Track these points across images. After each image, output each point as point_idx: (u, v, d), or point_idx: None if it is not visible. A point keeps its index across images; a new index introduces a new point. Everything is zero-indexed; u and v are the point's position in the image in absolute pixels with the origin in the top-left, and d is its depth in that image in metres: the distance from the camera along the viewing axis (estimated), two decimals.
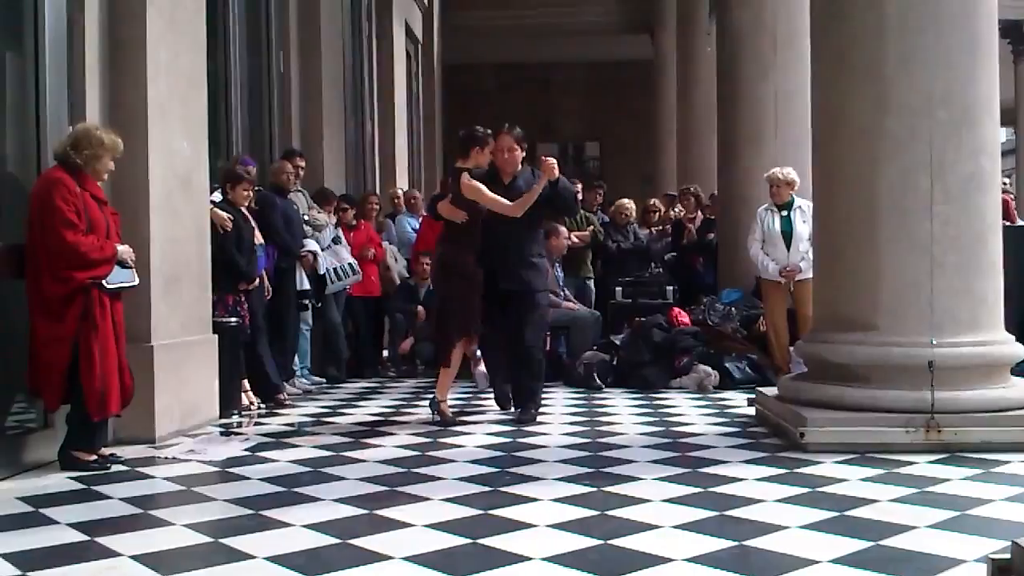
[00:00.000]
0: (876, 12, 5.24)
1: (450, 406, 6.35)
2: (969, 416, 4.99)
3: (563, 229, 8.97)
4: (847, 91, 5.37)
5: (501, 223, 6.15)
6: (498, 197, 6.13)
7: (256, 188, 7.27)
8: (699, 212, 10.47)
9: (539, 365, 6.33)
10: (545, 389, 7.83)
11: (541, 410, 6.39)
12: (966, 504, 3.91)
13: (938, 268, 5.11)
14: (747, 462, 4.81)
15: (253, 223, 7.01)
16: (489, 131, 6.43)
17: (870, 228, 5.23)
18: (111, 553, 3.37)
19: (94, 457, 4.83)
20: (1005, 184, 10.09)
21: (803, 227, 7.57)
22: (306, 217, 8.12)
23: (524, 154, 6.46)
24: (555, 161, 6.16)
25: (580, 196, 6.43)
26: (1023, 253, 8.45)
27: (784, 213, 7.84)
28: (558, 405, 7.02)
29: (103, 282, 4.75)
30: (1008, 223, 8.54)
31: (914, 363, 5.02)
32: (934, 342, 5.04)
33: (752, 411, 6.30)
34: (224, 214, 6.60)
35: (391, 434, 5.79)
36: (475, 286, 6.16)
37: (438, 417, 6.16)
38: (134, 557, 3.31)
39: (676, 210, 10.90)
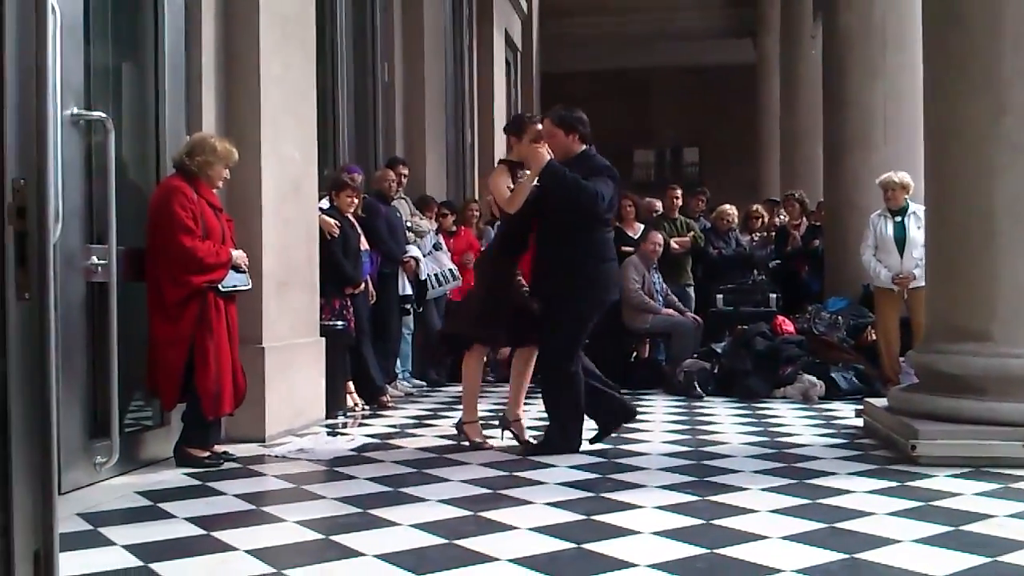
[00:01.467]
0: (992, 17, 5.09)
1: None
2: None
3: (657, 234, 8.91)
4: (961, 97, 5.22)
5: (542, 227, 5.39)
6: (502, 190, 5.39)
7: (363, 196, 7.42)
8: (804, 218, 10.29)
9: (555, 385, 5.37)
10: (645, 396, 7.84)
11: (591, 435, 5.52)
12: None
13: None
14: (856, 474, 4.71)
15: (359, 229, 7.15)
16: (530, 115, 5.83)
17: (986, 236, 5.07)
18: (226, 547, 3.47)
19: (207, 454, 4.99)
20: None
21: (917, 233, 7.35)
22: (409, 224, 8.25)
23: (575, 137, 5.42)
24: (544, 148, 5.27)
25: (598, 192, 5.19)
26: None
27: (898, 219, 7.64)
28: (658, 413, 6.97)
29: (218, 286, 4.91)
30: None
31: None
32: None
33: (860, 422, 6.16)
34: (332, 220, 6.76)
35: (492, 437, 5.83)
36: (509, 291, 5.42)
37: (466, 441, 5.55)
38: (248, 551, 3.40)
39: (780, 216, 10.72)
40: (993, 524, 3.75)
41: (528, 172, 5.34)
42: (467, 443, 5.50)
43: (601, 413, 5.55)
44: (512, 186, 5.40)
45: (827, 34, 10.07)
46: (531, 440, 5.49)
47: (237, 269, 5.04)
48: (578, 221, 5.27)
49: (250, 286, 5.18)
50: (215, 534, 3.64)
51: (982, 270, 5.08)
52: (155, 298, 4.85)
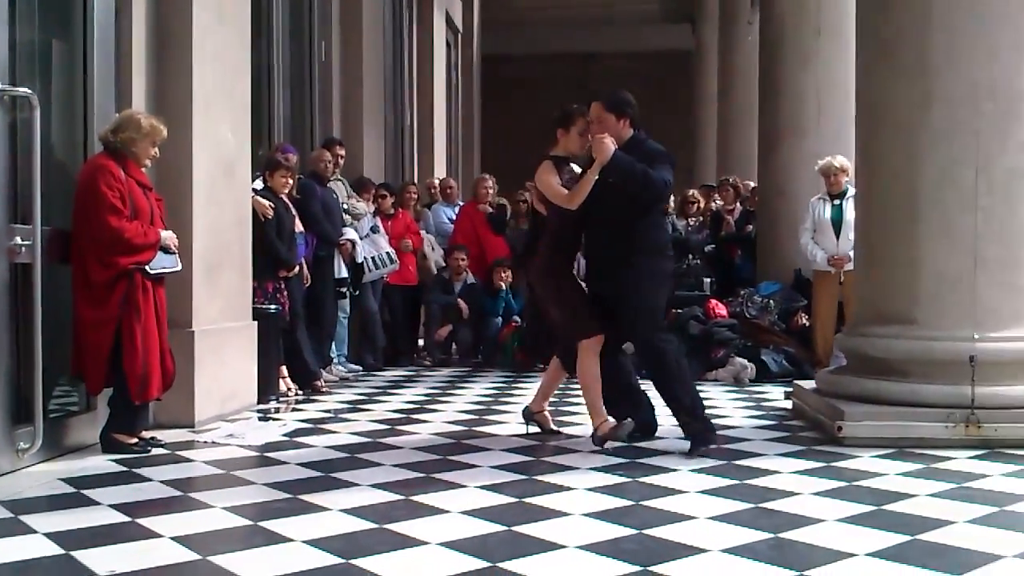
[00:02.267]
0: (922, 6, 5.18)
1: (486, 395, 6.34)
2: (1010, 412, 4.94)
3: None
4: (891, 84, 5.31)
5: (594, 221, 5.10)
6: (557, 187, 5.08)
7: (298, 176, 7.33)
8: (738, 204, 10.40)
9: (667, 366, 5.02)
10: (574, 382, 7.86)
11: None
12: (1005, 500, 3.87)
13: (980, 262, 5.05)
14: (783, 455, 4.79)
15: (294, 211, 7.07)
16: (577, 106, 5.28)
17: (911, 221, 5.18)
18: (151, 534, 3.42)
19: (135, 440, 4.91)
20: None
21: (853, 216, 7.46)
22: (345, 206, 8.18)
23: (627, 120, 5.08)
24: (608, 138, 4.94)
25: (666, 182, 4.93)
26: None
27: (836, 202, 7.75)
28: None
29: (146, 267, 4.82)
30: None
31: (954, 358, 4.97)
32: (976, 336, 4.99)
33: (789, 404, 6.27)
34: (265, 202, 6.67)
35: (427, 421, 5.83)
36: (574, 285, 5.25)
37: (534, 428, 5.45)
38: (174, 538, 3.35)
39: (715, 202, 10.83)
40: (915, 503, 3.84)
41: (570, 165, 5.16)
42: (606, 446, 4.97)
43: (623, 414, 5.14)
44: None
45: (763, 21, 10.17)
46: (556, 429, 5.42)
47: (166, 250, 4.94)
48: (636, 211, 4.99)
49: (179, 268, 5.08)
50: (140, 521, 3.58)
51: (906, 255, 5.19)
52: (80, 279, 4.74)
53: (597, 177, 4.92)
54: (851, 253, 7.37)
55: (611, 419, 5.04)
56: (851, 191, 7.61)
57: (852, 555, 3.15)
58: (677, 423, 5.06)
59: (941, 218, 5.12)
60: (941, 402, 4.96)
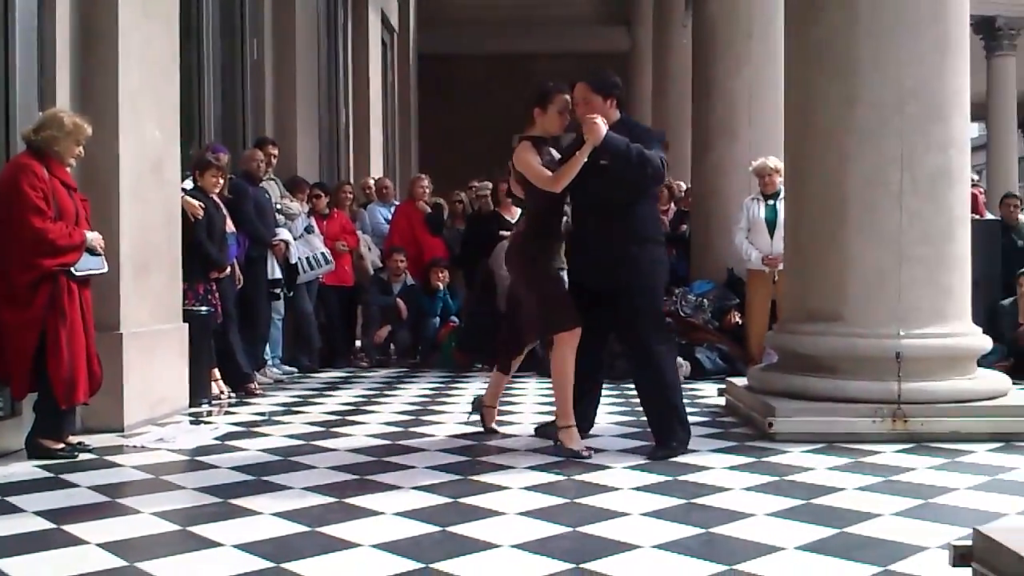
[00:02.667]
0: (849, 10, 5.29)
1: (423, 395, 6.32)
2: (935, 407, 5.05)
3: None
4: (819, 85, 5.41)
5: (582, 207, 4.89)
6: (539, 168, 4.78)
7: (229, 176, 7.23)
8: (672, 204, 10.50)
9: (666, 371, 4.84)
10: (519, 379, 7.88)
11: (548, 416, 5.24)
12: (930, 492, 3.96)
13: (906, 260, 5.17)
14: (716, 451, 4.85)
15: (225, 211, 6.97)
16: (553, 83, 4.99)
17: (839, 221, 5.27)
18: (78, 541, 3.35)
19: (61, 445, 4.80)
20: (975, 179, 10.21)
21: None
22: (278, 206, 8.08)
23: (614, 101, 4.89)
24: (600, 118, 4.67)
25: (663, 162, 4.73)
26: (991, 247, 8.60)
27: (770, 202, 7.86)
28: (531, 395, 7.03)
29: (71, 269, 4.71)
30: (977, 217, 8.65)
31: (881, 354, 5.08)
32: (901, 333, 5.10)
33: (722, 401, 6.34)
34: (195, 202, 6.57)
35: (363, 423, 5.79)
36: (557, 275, 4.91)
37: (476, 417, 5.43)
38: (101, 545, 3.29)
39: None
40: (843, 497, 3.91)
41: (548, 147, 4.91)
42: (569, 452, 4.71)
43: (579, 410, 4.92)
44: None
45: (695, 24, 10.29)
46: (495, 429, 5.32)
47: (92, 252, 4.84)
48: (633, 195, 4.77)
49: (106, 269, 4.98)
50: (66, 528, 3.51)
51: (835, 254, 5.29)
52: (2, 282, 4.63)
53: (586, 159, 4.66)
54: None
55: (576, 429, 4.79)
56: (783, 192, 7.74)
57: (781, 549, 3.19)
58: (654, 427, 4.86)
59: (868, 218, 5.22)
60: (869, 397, 5.06)
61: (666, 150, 4.83)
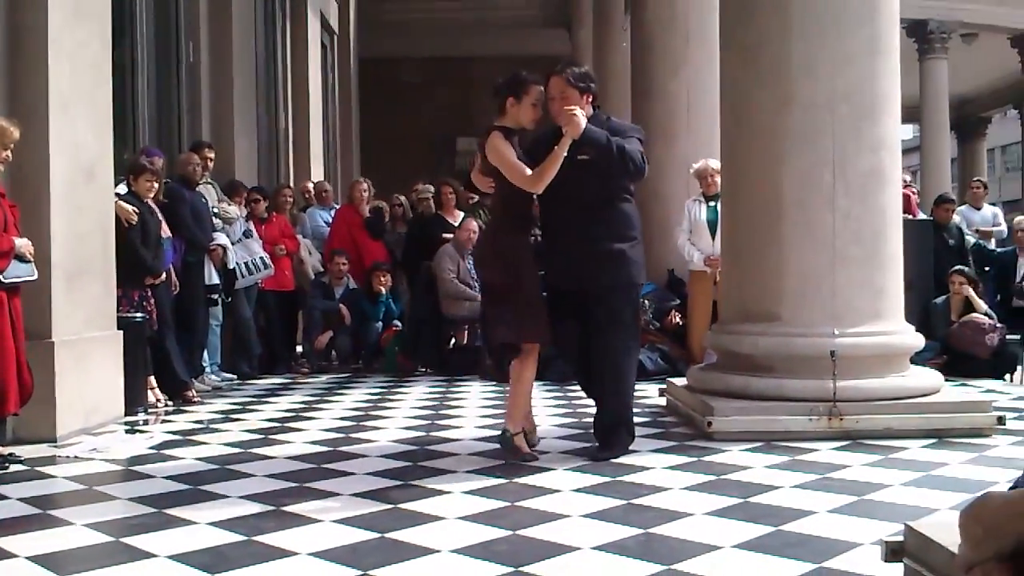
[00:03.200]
0: (780, 12, 5.36)
1: (365, 401, 6.25)
2: (870, 404, 5.14)
3: (472, 222, 8.91)
4: (753, 87, 5.47)
5: (556, 201, 4.67)
6: (517, 164, 4.56)
7: (165, 180, 7.12)
8: None
9: (629, 374, 4.80)
10: (461, 382, 7.87)
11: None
12: (864, 489, 4.02)
13: (840, 260, 5.25)
14: (655, 451, 4.88)
15: (160, 216, 6.86)
16: (526, 74, 4.76)
17: (774, 221, 5.34)
18: (7, 555, 3.26)
19: None
20: (907, 180, 10.42)
21: None
22: (216, 210, 7.97)
23: (591, 96, 4.74)
24: (579, 112, 4.52)
25: (641, 153, 4.62)
26: (924, 246, 8.78)
27: (712, 204, 7.92)
28: (473, 398, 7.02)
29: (0, 277, 4.60)
30: (910, 217, 8.82)
31: (816, 353, 5.15)
32: (836, 332, 5.18)
33: (663, 401, 6.39)
34: (129, 207, 6.45)
35: (303, 430, 5.72)
36: (532, 276, 4.72)
37: (514, 457, 4.66)
38: (31, 558, 3.21)
39: None
40: (779, 495, 3.96)
41: (511, 141, 4.65)
42: (516, 459, 4.61)
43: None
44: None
45: (634, 27, 10.36)
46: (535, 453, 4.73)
47: (21, 259, 4.75)
48: (608, 193, 4.65)
49: (35, 277, 4.87)
50: None
51: (770, 254, 5.36)
52: None
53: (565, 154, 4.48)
54: None
55: (522, 435, 4.73)
56: None
57: (719, 547, 3.22)
58: (602, 429, 4.81)
59: (803, 218, 5.30)
60: (805, 396, 5.13)
61: (643, 146, 4.75)
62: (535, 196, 4.70)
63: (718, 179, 7.74)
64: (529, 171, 4.55)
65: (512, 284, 4.64)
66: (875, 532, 3.34)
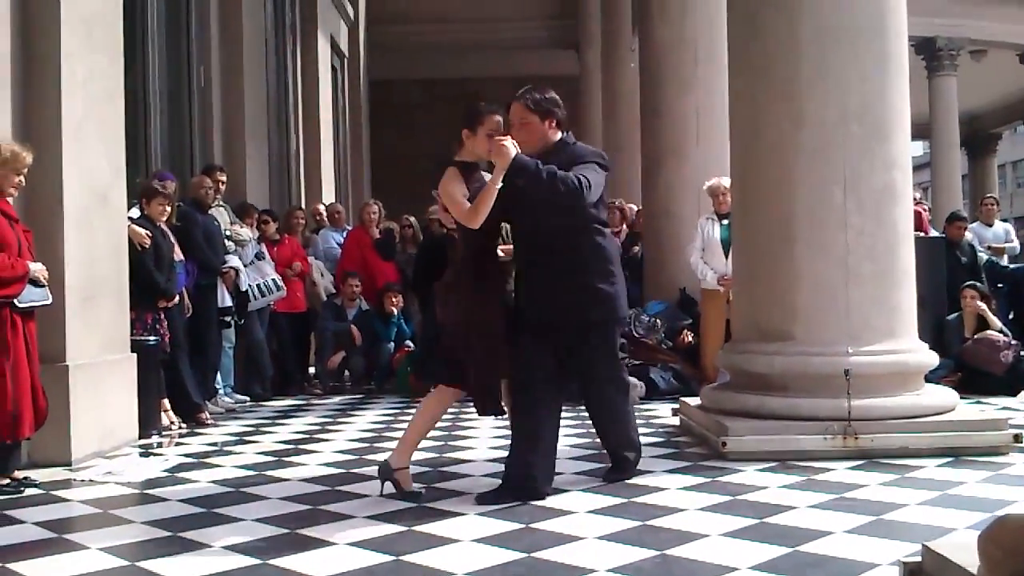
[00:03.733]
0: (791, 30, 5.37)
1: (378, 422, 6.20)
2: (885, 423, 5.11)
3: None
4: (764, 107, 5.48)
5: (524, 235, 4.54)
6: (461, 201, 4.34)
7: (177, 204, 7.16)
8: (624, 226, 10.57)
9: (617, 415, 4.74)
10: (472, 402, 7.83)
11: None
12: (881, 509, 4.00)
13: (853, 278, 5.23)
14: (670, 471, 4.86)
15: (173, 239, 6.89)
16: (484, 103, 4.57)
17: (786, 240, 5.33)
18: None
19: (7, 480, 4.71)
20: (918, 197, 10.40)
21: None
22: (228, 233, 8.01)
23: (553, 121, 4.56)
24: (509, 140, 4.29)
25: (582, 181, 4.29)
26: (936, 263, 8.75)
27: (724, 222, 7.90)
28: (486, 420, 6.99)
29: (15, 301, 4.63)
30: (921, 234, 8.80)
31: (831, 372, 5.13)
32: (850, 351, 5.16)
33: (677, 421, 6.37)
34: (142, 230, 6.48)
35: (316, 452, 5.72)
36: (489, 316, 4.40)
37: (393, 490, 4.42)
38: None
39: None
40: (795, 515, 3.93)
41: (480, 172, 4.45)
42: (395, 492, 4.40)
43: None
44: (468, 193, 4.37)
45: (643, 47, 10.40)
46: (418, 490, 4.44)
47: (36, 283, 4.78)
48: (567, 226, 4.42)
49: (50, 301, 4.90)
50: (11, 566, 3.43)
51: (784, 273, 5.35)
52: None
53: (500, 186, 4.26)
54: None
55: (409, 471, 4.46)
56: None
57: (735, 569, 3.20)
58: (613, 453, 4.78)
59: (816, 236, 5.29)
60: (820, 415, 5.10)
61: (603, 170, 4.50)
62: (506, 232, 4.59)
63: (730, 197, 7.75)
64: (466, 207, 4.32)
65: (466, 324, 4.39)
66: (892, 552, 3.32)
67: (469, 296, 4.41)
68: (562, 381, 4.58)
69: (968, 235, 9.69)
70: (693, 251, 8.08)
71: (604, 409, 4.76)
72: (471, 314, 4.40)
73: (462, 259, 4.51)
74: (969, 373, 7.84)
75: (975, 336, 8.07)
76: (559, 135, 4.60)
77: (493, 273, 4.49)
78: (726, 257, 7.78)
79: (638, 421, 6.59)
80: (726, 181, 7.81)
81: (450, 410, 7.07)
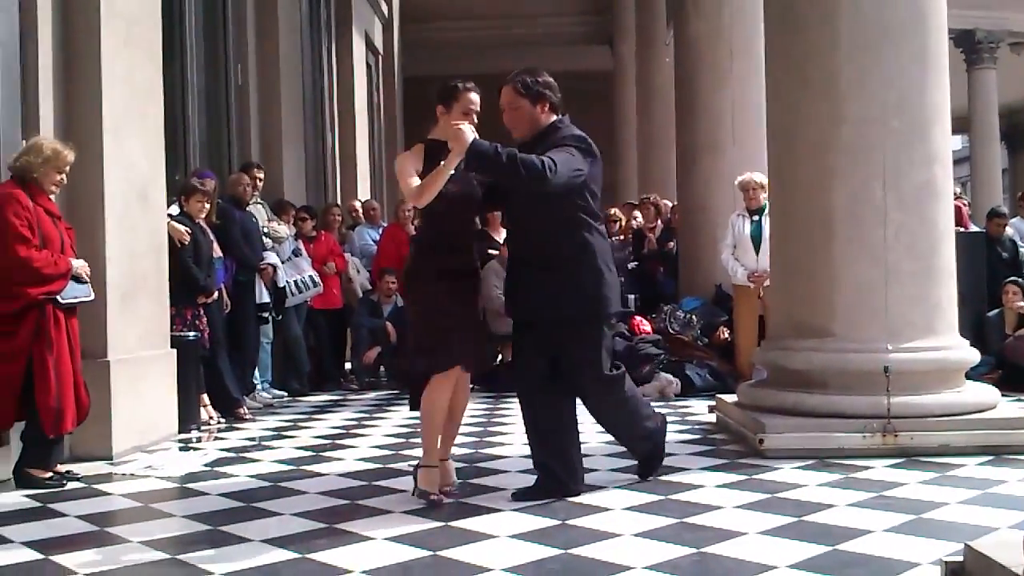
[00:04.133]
0: (830, 25, 5.31)
1: (414, 417, 6.22)
2: (925, 420, 5.06)
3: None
4: (802, 103, 5.43)
5: (514, 228, 4.49)
6: (408, 180, 4.13)
7: (216, 201, 7.23)
8: (659, 221, 10.54)
9: (620, 421, 4.59)
10: (509, 399, 7.86)
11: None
12: (921, 507, 3.96)
13: (893, 275, 5.18)
14: (707, 469, 4.84)
15: (212, 236, 6.96)
16: (458, 82, 4.32)
17: (826, 236, 5.29)
18: (66, 571, 3.32)
19: (50, 474, 4.77)
20: (958, 192, 10.28)
21: None
22: (265, 229, 8.08)
23: (546, 104, 4.34)
24: (466, 125, 4.06)
25: (547, 164, 3.99)
26: (976, 259, 8.65)
27: (755, 218, 7.86)
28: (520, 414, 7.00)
29: (57, 297, 4.70)
30: (962, 230, 8.69)
31: (870, 368, 5.08)
32: (889, 348, 5.11)
33: (713, 418, 6.34)
34: (182, 227, 6.55)
35: (353, 447, 5.76)
36: (439, 299, 4.19)
37: (422, 500, 4.20)
38: (90, 575, 3.26)
39: (635, 219, 10.96)
40: (834, 513, 3.90)
41: (441, 153, 4.13)
42: (418, 494, 4.21)
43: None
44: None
45: (678, 42, 10.36)
46: (435, 498, 4.18)
47: (78, 280, 4.84)
48: (550, 218, 4.19)
49: (92, 297, 4.97)
50: (54, 558, 3.48)
51: (823, 269, 5.30)
52: None
53: (453, 172, 4.06)
54: (771, 269, 7.55)
55: (436, 471, 4.26)
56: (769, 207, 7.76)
57: (774, 567, 3.18)
58: (632, 450, 4.73)
59: (855, 232, 5.23)
60: (858, 412, 5.06)
61: (585, 156, 4.21)
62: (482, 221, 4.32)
63: (761, 193, 7.72)
64: (415, 184, 4.11)
65: (419, 308, 4.30)
66: (934, 552, 3.29)
67: (411, 283, 4.31)
68: (558, 379, 4.37)
69: (1009, 230, 9.57)
70: (724, 248, 8.03)
71: (598, 411, 4.59)
72: (414, 302, 4.35)
73: (415, 245, 4.37)
74: (1010, 370, 7.74)
75: (1016, 332, 7.96)
76: (553, 118, 4.37)
77: (450, 262, 4.23)
78: (757, 253, 7.74)
79: (674, 418, 6.62)
80: (758, 176, 7.77)
81: (485, 406, 7.15)
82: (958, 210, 8.67)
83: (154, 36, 6.27)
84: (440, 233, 4.27)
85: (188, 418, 6.36)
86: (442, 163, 4.07)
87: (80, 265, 4.87)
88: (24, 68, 5.21)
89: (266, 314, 7.90)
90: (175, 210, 6.76)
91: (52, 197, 4.86)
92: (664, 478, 4.63)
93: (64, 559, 3.46)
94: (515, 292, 4.41)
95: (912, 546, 3.41)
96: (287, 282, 8.06)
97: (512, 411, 7.22)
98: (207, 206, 6.88)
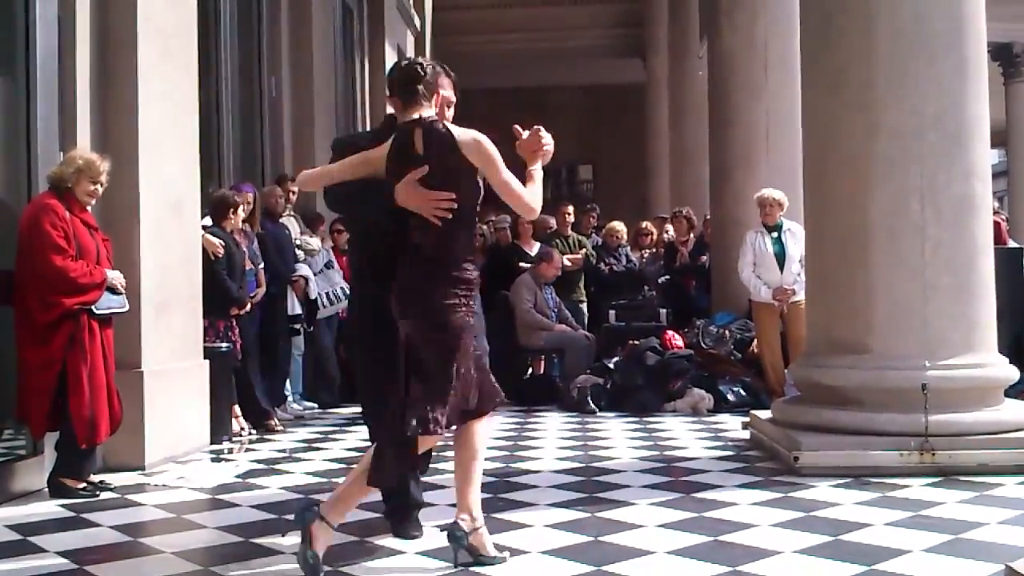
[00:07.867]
0: (866, 38, 5.26)
1: None
2: (963, 439, 4.97)
3: (556, 254, 8.97)
4: (839, 116, 5.38)
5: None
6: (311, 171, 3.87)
7: (255, 214, 7.29)
8: (691, 235, 10.48)
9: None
10: (539, 412, 7.84)
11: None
12: (960, 527, 3.88)
13: (931, 291, 5.11)
14: (741, 486, 4.78)
15: (244, 248, 7.00)
16: (435, 68, 3.97)
17: (862, 251, 5.22)
18: None
19: (83, 484, 4.79)
20: (996, 206, 10.13)
21: (795, 248, 7.60)
22: (298, 242, 8.11)
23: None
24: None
25: None
26: (1015, 275, 8.49)
27: (775, 235, 7.85)
28: (552, 429, 6.98)
29: (92, 308, 4.73)
30: (1000, 245, 8.57)
31: (908, 386, 5.00)
32: (927, 365, 5.03)
33: (747, 434, 6.27)
34: (216, 240, 6.59)
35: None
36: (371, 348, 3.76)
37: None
38: None
39: (667, 233, 10.91)
40: (871, 532, 3.84)
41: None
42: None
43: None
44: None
45: (712, 55, 10.31)
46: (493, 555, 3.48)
47: (113, 291, 4.87)
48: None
49: (127, 308, 5.00)
50: (88, 568, 3.50)
51: (859, 284, 5.23)
52: (23, 320, 4.66)
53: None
54: (795, 286, 7.52)
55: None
56: (786, 224, 7.76)
57: None
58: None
59: (892, 247, 5.17)
60: (896, 430, 4.98)
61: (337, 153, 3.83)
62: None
63: (777, 211, 7.77)
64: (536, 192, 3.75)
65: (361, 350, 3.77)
66: (973, 572, 3.23)
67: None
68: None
69: None
70: (745, 266, 7.97)
71: None
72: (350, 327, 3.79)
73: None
74: None
75: None
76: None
77: (382, 272, 3.58)
78: (781, 270, 7.71)
79: (707, 433, 6.56)
80: (776, 193, 7.80)
81: (515, 419, 7.11)
82: (997, 225, 8.53)
83: (190, 50, 6.32)
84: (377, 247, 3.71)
85: (220, 429, 6.38)
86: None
87: (115, 276, 4.90)
88: (62, 84, 5.26)
89: (297, 326, 7.92)
90: (208, 222, 6.81)
91: (89, 208, 4.90)
92: (698, 495, 4.58)
93: (98, 569, 3.47)
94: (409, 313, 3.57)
95: (951, 566, 3.35)
96: (319, 294, 8.08)
97: (541, 424, 7.20)
98: (241, 217, 6.92)
